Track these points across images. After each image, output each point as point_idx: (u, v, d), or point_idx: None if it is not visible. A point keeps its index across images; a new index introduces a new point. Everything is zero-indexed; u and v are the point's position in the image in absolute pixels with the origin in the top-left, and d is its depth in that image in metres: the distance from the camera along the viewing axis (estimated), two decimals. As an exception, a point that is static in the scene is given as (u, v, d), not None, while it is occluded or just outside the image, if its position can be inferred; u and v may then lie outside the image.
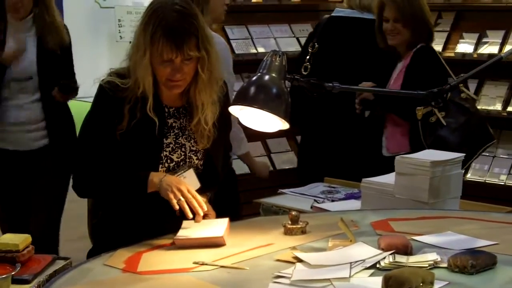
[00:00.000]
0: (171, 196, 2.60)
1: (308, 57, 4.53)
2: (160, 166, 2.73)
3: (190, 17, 2.61)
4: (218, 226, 2.62)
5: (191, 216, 2.60)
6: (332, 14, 4.66)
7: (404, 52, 4.20)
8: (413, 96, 3.08)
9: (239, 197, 4.22)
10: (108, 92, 2.67)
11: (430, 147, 3.79)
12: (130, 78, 2.66)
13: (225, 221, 2.65)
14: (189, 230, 2.60)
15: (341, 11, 4.60)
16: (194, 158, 2.80)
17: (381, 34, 4.24)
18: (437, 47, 5.58)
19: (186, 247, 2.53)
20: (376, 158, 4.23)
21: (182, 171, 2.74)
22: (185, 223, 2.63)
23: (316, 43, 4.54)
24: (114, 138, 2.67)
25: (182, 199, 2.60)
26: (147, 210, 2.74)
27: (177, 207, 2.59)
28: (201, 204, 2.63)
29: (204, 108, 2.71)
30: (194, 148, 2.79)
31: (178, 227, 2.64)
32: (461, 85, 3.90)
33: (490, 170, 5.43)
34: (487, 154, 5.48)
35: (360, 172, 4.14)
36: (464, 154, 3.25)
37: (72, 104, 4.27)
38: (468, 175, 5.38)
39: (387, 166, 3.97)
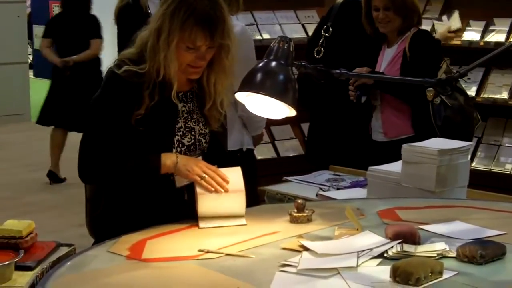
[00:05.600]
0: (194, 176, 2.62)
1: (321, 41, 4.52)
2: (174, 151, 2.72)
3: (220, 5, 2.62)
4: (237, 202, 2.64)
5: (213, 190, 2.62)
6: None
7: (393, 38, 4.20)
8: (421, 83, 3.05)
9: (256, 183, 4.14)
10: (125, 79, 2.63)
11: (440, 128, 3.80)
12: (145, 63, 2.64)
13: (242, 194, 2.64)
14: (209, 210, 2.62)
15: None
16: (203, 141, 2.81)
17: (367, 19, 4.24)
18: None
19: None
20: (373, 144, 4.24)
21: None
22: (200, 199, 2.62)
23: (330, 27, 4.53)
24: (128, 125, 2.63)
25: (206, 176, 2.61)
26: (153, 196, 2.71)
27: (205, 185, 2.60)
28: (224, 177, 2.64)
29: (220, 94, 2.73)
30: (202, 131, 2.80)
31: (184, 212, 2.65)
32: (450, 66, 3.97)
33: (495, 159, 5.40)
34: (493, 143, 5.45)
35: (359, 157, 4.14)
36: (471, 143, 3.23)
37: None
38: (474, 164, 5.35)
39: (385, 152, 3.99)
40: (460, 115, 4.02)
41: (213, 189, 2.61)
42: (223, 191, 2.62)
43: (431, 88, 3.70)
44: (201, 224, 2.60)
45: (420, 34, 4.16)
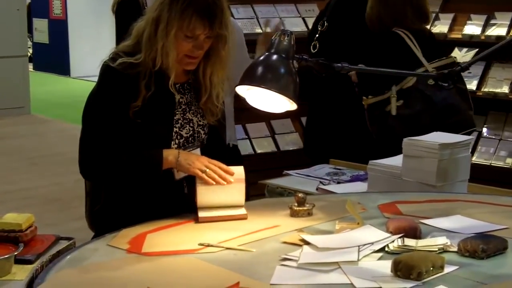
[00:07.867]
0: (196, 171, 2.61)
1: (317, 35, 4.51)
2: (172, 143, 2.71)
3: None
4: (237, 193, 2.62)
5: (213, 183, 2.60)
6: None
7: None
8: (422, 76, 3.04)
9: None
10: (121, 72, 2.62)
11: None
12: (140, 53, 2.63)
13: (242, 186, 2.64)
14: (208, 201, 2.60)
15: None
16: (202, 132, 2.80)
17: None
18: (443, 28, 5.54)
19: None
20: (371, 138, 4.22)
21: (191, 149, 2.74)
22: (200, 190, 2.61)
23: (325, 21, 4.51)
24: (127, 118, 2.63)
25: (208, 170, 2.60)
26: (153, 190, 2.70)
27: (206, 178, 2.59)
28: (227, 170, 2.63)
29: (216, 86, 2.73)
30: (201, 123, 2.80)
31: (184, 206, 2.64)
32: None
33: (495, 153, 5.38)
34: (494, 137, 5.44)
35: (358, 151, 4.13)
36: (472, 137, 3.20)
37: (74, 83, 4.24)
38: (474, 158, 5.33)
39: (377, 147, 3.97)
40: (404, 126, 3.88)
41: (214, 183, 2.60)
42: (225, 183, 2.61)
43: (369, 97, 3.69)
44: (201, 214, 2.59)
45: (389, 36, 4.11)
